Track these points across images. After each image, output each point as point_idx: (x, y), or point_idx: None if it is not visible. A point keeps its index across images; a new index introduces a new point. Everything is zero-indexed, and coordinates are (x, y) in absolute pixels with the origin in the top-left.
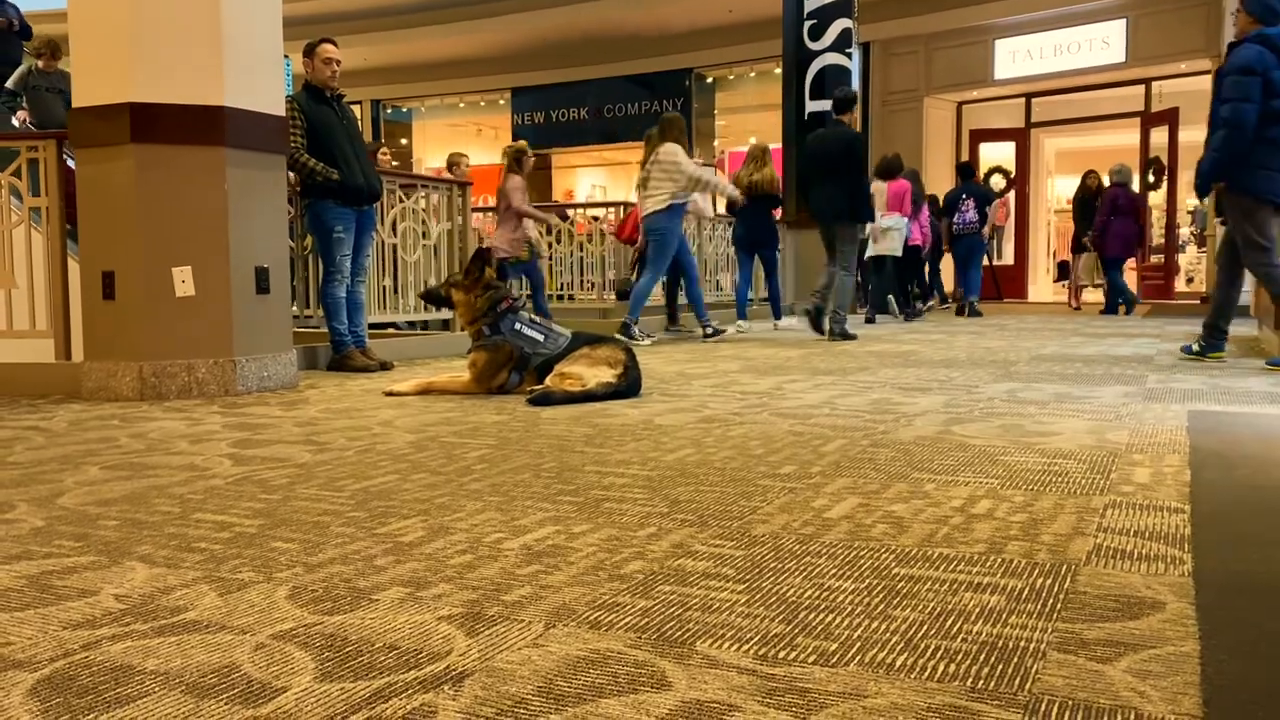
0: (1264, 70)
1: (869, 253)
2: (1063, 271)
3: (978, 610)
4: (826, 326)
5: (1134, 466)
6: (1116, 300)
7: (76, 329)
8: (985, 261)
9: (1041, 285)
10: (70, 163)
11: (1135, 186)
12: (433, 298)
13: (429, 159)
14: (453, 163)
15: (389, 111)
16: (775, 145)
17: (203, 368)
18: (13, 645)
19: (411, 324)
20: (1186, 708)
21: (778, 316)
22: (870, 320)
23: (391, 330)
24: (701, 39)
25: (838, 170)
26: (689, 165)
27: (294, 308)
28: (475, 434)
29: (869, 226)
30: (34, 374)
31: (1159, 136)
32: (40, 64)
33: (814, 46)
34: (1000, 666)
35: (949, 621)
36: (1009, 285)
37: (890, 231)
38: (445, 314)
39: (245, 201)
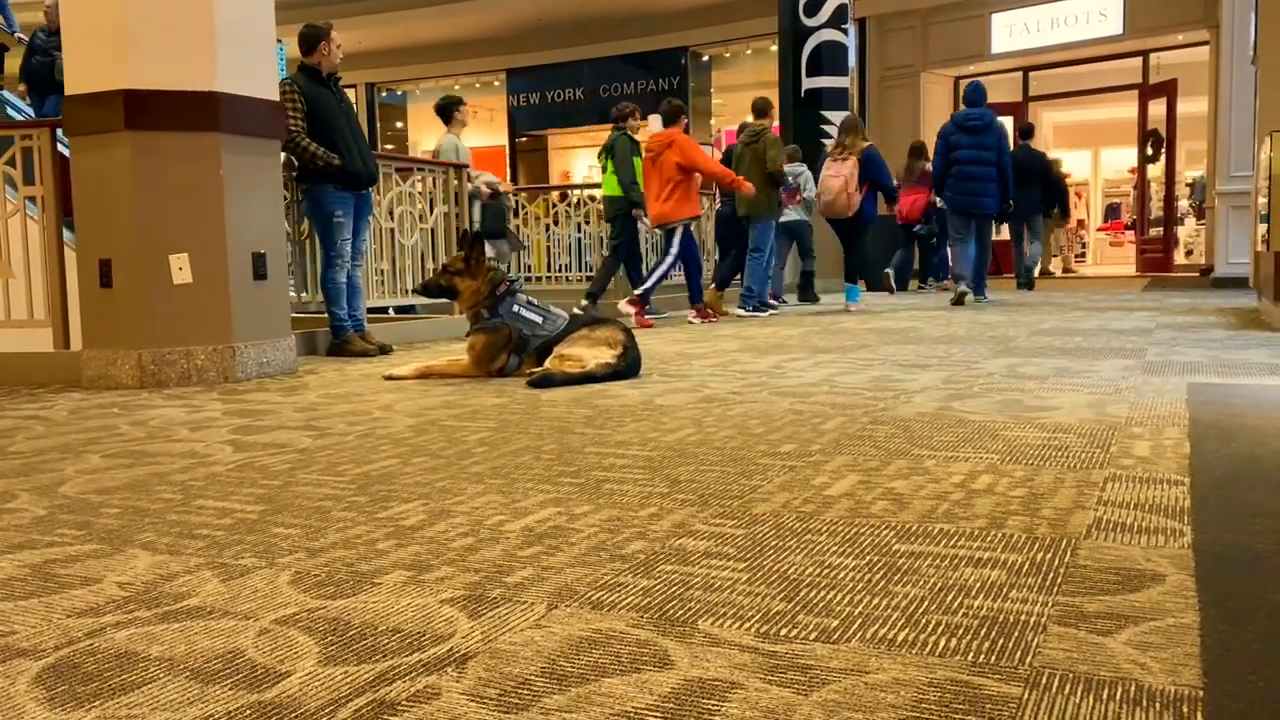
0: (945, 136)
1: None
2: None
3: (978, 585)
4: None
5: (1134, 440)
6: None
7: (75, 318)
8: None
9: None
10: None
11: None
12: (431, 290)
13: (425, 142)
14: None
15: (383, 95)
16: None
17: (202, 354)
18: (17, 634)
19: (411, 307)
20: (1187, 679)
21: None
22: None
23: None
24: (697, 16)
25: (1034, 180)
26: None
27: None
28: (475, 417)
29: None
30: (33, 363)
31: (1157, 109)
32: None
33: (810, 22)
34: (1001, 641)
35: (950, 597)
36: (1007, 261)
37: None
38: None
39: (241, 187)
